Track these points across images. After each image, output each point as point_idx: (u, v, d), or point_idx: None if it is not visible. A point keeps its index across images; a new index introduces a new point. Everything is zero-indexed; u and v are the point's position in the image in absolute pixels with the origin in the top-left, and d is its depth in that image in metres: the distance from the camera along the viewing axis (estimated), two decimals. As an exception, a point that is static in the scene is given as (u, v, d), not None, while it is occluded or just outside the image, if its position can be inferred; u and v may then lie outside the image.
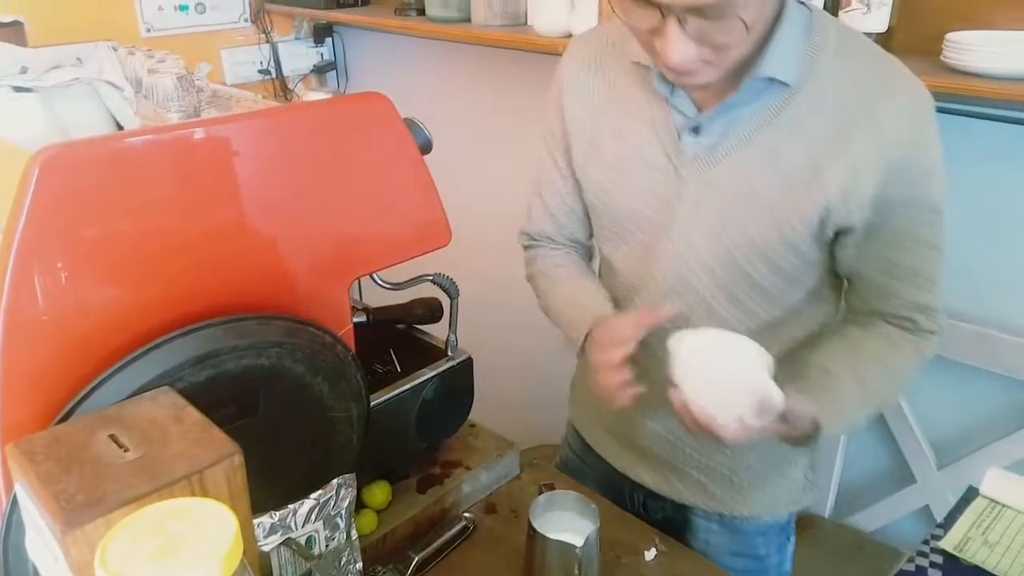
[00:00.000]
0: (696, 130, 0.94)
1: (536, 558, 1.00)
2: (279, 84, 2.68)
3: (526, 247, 1.23)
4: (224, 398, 0.85)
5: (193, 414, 0.74)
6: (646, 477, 1.20)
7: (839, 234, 0.94)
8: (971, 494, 0.93)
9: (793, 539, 1.23)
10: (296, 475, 0.96)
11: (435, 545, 1.11)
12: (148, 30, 2.36)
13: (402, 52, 2.55)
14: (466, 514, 1.19)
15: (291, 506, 0.92)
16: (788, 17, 0.87)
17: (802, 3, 0.91)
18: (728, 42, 0.81)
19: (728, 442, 0.85)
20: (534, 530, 0.99)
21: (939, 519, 1.68)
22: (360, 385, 0.99)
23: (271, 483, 0.87)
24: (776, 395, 0.82)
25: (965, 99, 1.28)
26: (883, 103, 0.87)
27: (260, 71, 2.62)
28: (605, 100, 1.03)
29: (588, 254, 1.24)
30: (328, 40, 2.72)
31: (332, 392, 0.95)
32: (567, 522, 1.01)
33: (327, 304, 0.99)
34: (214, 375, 0.83)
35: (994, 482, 0.94)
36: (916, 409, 1.67)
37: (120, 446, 0.70)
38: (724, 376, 0.83)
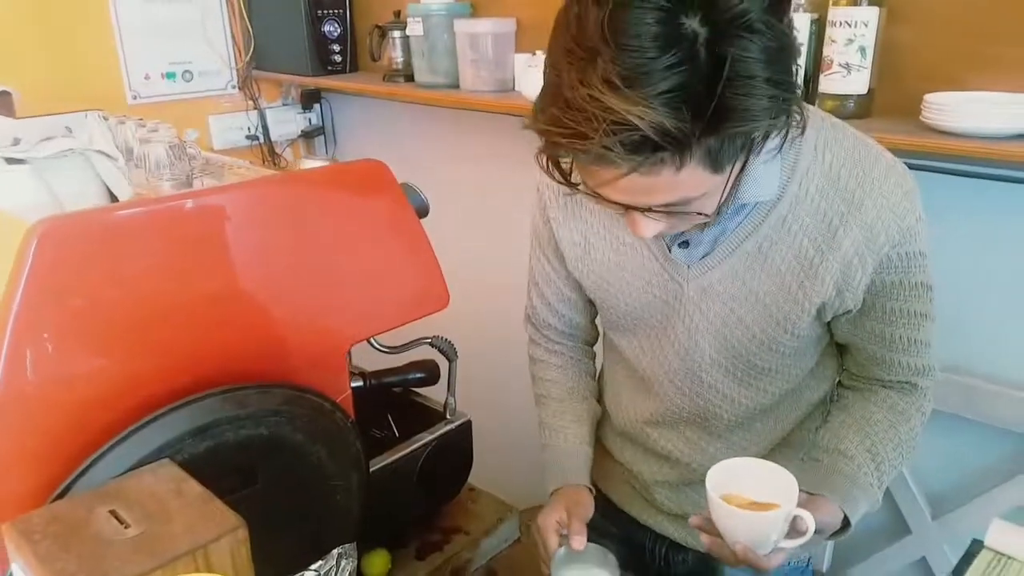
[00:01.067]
0: (684, 244, 0.95)
1: None
2: (267, 149, 2.70)
3: (529, 334, 1.24)
4: (223, 469, 0.84)
5: (194, 487, 0.73)
6: (670, 529, 1.19)
7: (835, 316, 0.95)
8: (976, 547, 0.92)
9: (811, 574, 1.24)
10: (296, 545, 0.94)
11: (436, 614, 1.09)
12: (135, 97, 2.38)
13: (391, 117, 2.59)
14: (468, 581, 1.17)
15: (290, 578, 0.90)
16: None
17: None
18: (693, 223, 0.84)
19: (769, 568, 0.85)
20: None
21: (936, 571, 1.68)
22: (359, 452, 0.98)
23: (270, 554, 0.85)
24: (807, 518, 0.84)
25: (946, 157, 1.31)
26: (868, 199, 0.87)
27: (248, 136, 2.64)
28: (592, 209, 1.02)
29: (591, 342, 1.24)
30: (316, 106, 2.75)
31: (331, 460, 0.94)
32: (586, 567, 1.01)
33: (325, 370, 0.99)
34: (213, 446, 0.83)
35: (998, 534, 0.94)
36: (910, 462, 1.67)
37: (121, 522, 0.69)
38: (755, 518, 0.84)
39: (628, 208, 0.79)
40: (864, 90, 1.41)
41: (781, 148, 0.85)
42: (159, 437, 0.79)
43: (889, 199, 0.87)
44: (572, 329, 1.19)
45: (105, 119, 1.43)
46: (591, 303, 1.16)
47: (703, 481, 0.87)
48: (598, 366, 1.26)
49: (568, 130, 0.69)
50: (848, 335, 0.99)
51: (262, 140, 2.67)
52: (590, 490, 1.09)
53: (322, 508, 0.96)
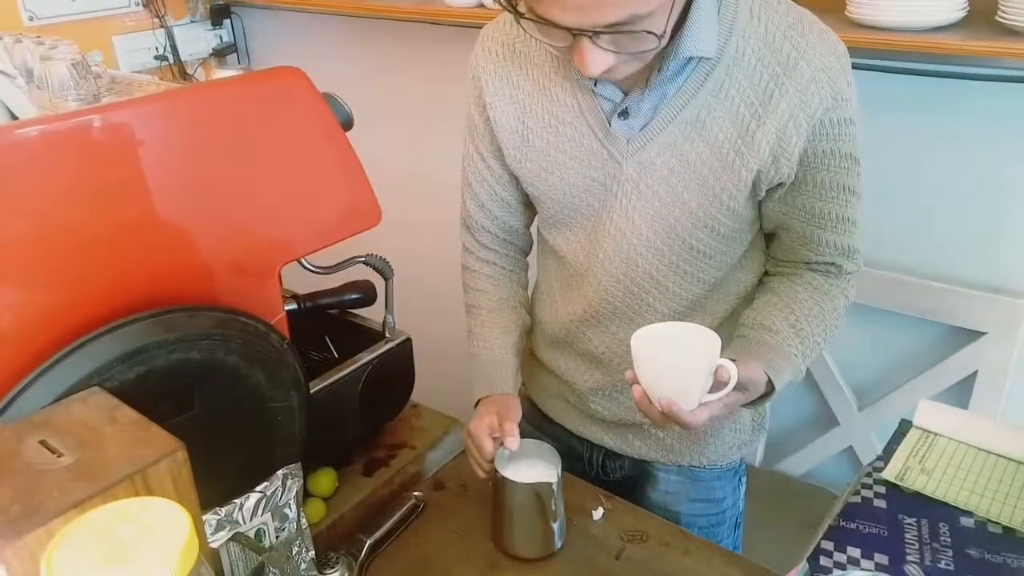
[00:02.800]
0: (624, 113, 0.94)
1: (508, 506, 1.03)
2: (177, 69, 2.56)
3: (464, 241, 1.22)
4: (157, 395, 0.81)
5: (128, 413, 0.71)
6: (605, 438, 1.22)
7: (769, 190, 0.96)
8: (904, 427, 0.97)
9: (745, 480, 1.28)
10: (239, 469, 0.92)
11: (386, 526, 1.10)
12: (31, 18, 2.21)
13: (307, 31, 2.47)
14: (415, 493, 1.18)
15: (237, 501, 0.89)
16: None
17: None
18: (643, 49, 0.82)
19: (693, 425, 0.86)
20: (504, 479, 1.01)
21: (863, 459, 1.77)
22: (299, 373, 0.96)
23: (214, 479, 0.84)
24: (730, 367, 0.85)
25: (873, 53, 1.32)
26: (802, 62, 0.88)
27: (156, 57, 2.50)
28: (529, 91, 1.01)
29: (525, 250, 1.24)
30: (226, 21, 2.61)
31: (270, 382, 0.92)
32: (530, 468, 1.05)
33: (256, 293, 0.96)
34: (145, 372, 0.80)
35: (926, 413, 0.99)
36: (835, 355, 1.74)
37: (53, 451, 0.66)
38: (678, 364, 0.85)
39: (576, 35, 0.79)
40: (789, -16, 1.40)
41: (720, 4, 0.89)
42: (86, 364, 0.76)
43: (823, 61, 0.89)
44: (507, 234, 1.18)
45: (0, 39, 1.33)
46: (526, 205, 1.15)
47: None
48: (531, 279, 1.26)
49: None
50: (778, 215, 1.00)
51: (171, 60, 2.54)
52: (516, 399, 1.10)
53: (264, 430, 0.95)
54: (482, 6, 1.70)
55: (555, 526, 1.05)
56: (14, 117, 1.00)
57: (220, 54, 2.63)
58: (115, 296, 0.82)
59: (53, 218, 0.79)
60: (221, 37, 2.62)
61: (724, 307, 1.07)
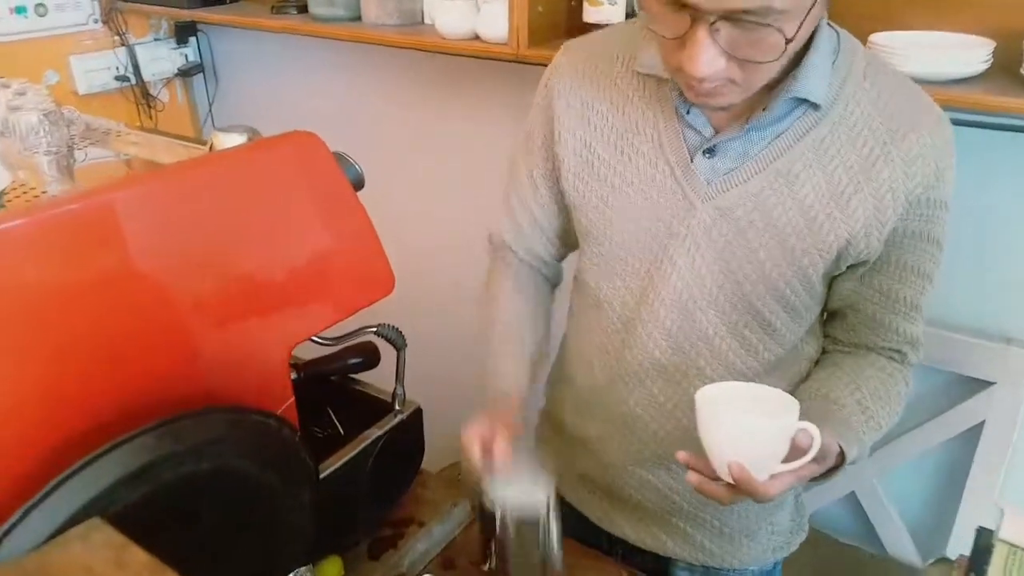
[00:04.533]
0: (710, 152, 0.87)
1: (494, 535, 0.89)
2: (139, 91, 2.43)
3: (492, 252, 1.15)
4: (163, 514, 0.72)
5: (138, 555, 0.62)
6: (627, 530, 1.13)
7: (849, 266, 0.90)
8: (984, 538, 0.87)
9: None
10: (246, 572, 0.84)
11: (397, 618, 1.02)
12: (-21, 37, 2.07)
13: (281, 53, 2.35)
14: (425, 575, 1.10)
15: (244, 613, 0.80)
16: (821, 39, 0.82)
17: (831, 25, 0.86)
18: (761, 58, 0.75)
19: (767, 497, 0.77)
20: (484, 509, 0.88)
21: (864, 504, 1.73)
22: (310, 467, 0.88)
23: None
24: (813, 432, 0.77)
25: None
26: (912, 133, 0.84)
27: (117, 77, 2.36)
28: (604, 113, 0.94)
29: (552, 276, 1.15)
30: (192, 40, 2.48)
31: (281, 481, 0.84)
32: (519, 492, 0.90)
33: (266, 379, 0.87)
34: (151, 492, 0.71)
35: (1013, 524, 0.89)
36: (890, 427, 1.70)
37: (53, 611, 0.57)
38: (758, 425, 0.76)
39: (695, 22, 0.72)
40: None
41: (836, 59, 0.84)
42: (87, 491, 0.66)
43: (932, 136, 0.85)
44: (535, 261, 1.11)
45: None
46: (562, 240, 1.08)
47: (668, 459, 0.79)
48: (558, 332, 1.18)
49: None
50: (850, 292, 0.94)
51: (133, 81, 2.40)
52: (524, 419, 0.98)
53: (274, 532, 0.86)
54: (477, 38, 1.62)
55: (552, 555, 0.92)
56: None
57: (186, 74, 2.49)
58: (110, 404, 0.73)
59: (40, 318, 0.69)
60: (187, 56, 2.49)
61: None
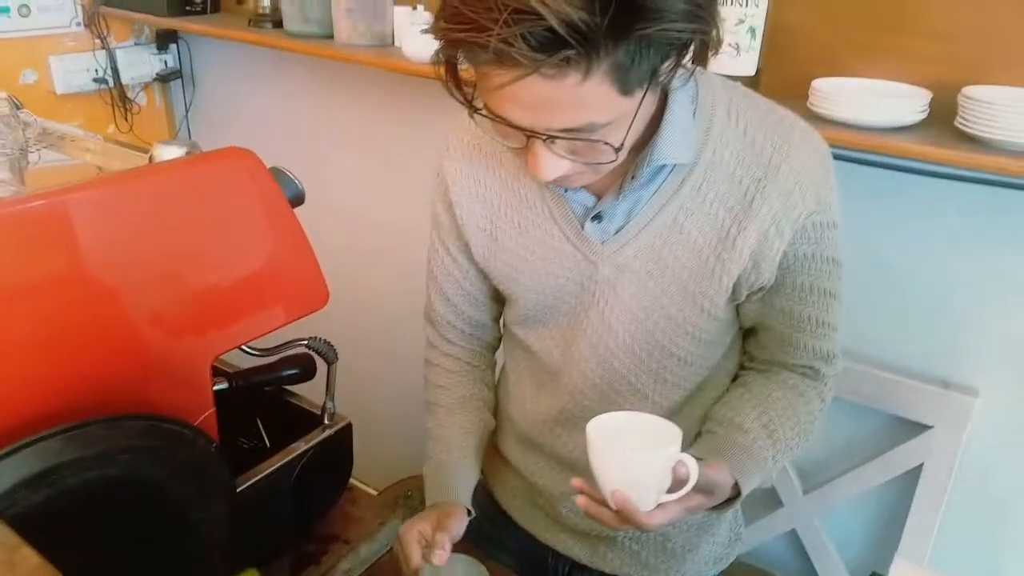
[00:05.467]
0: (597, 218, 0.90)
1: None
2: (117, 94, 2.44)
3: (427, 335, 1.16)
4: (64, 519, 0.73)
5: (30, 558, 0.62)
6: (575, 549, 1.15)
7: (749, 293, 0.92)
8: None
9: None
10: (154, 585, 0.85)
11: (313, 635, 1.03)
12: (-40, 36, 2.09)
13: (256, 64, 2.38)
14: (346, 594, 1.10)
15: (149, 623, 0.81)
16: (674, 100, 0.84)
17: (685, 68, 0.85)
18: (599, 160, 0.78)
19: (649, 527, 0.80)
20: None
21: (805, 542, 1.75)
22: (227, 479, 0.89)
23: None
24: (689, 463, 0.79)
25: (833, 146, 1.31)
26: (784, 165, 0.85)
27: (95, 79, 2.37)
28: (497, 191, 0.97)
29: (493, 346, 1.18)
30: (172, 46, 2.51)
31: (194, 492, 0.85)
32: None
33: (187, 386, 0.89)
34: (53, 495, 0.72)
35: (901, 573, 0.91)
36: (805, 446, 1.72)
37: (-67, 611, 0.58)
38: (633, 456, 0.78)
39: (530, 137, 0.75)
40: (752, 71, 1.39)
41: (696, 103, 0.85)
42: (-17, 491, 0.68)
43: (807, 164, 0.86)
44: (474, 329, 1.12)
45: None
46: (495, 300, 1.09)
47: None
48: (498, 372, 1.20)
49: (467, 25, 0.65)
50: (756, 315, 0.96)
51: (111, 84, 2.42)
52: (469, 512, 1.03)
53: (185, 543, 0.87)
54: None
55: None
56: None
57: (164, 79, 2.52)
58: (25, 400, 0.74)
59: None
60: (166, 62, 2.51)
61: (700, 412, 1.02)
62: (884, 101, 1.28)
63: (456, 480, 1.05)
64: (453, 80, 0.77)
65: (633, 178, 0.86)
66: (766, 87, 1.41)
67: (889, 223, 1.49)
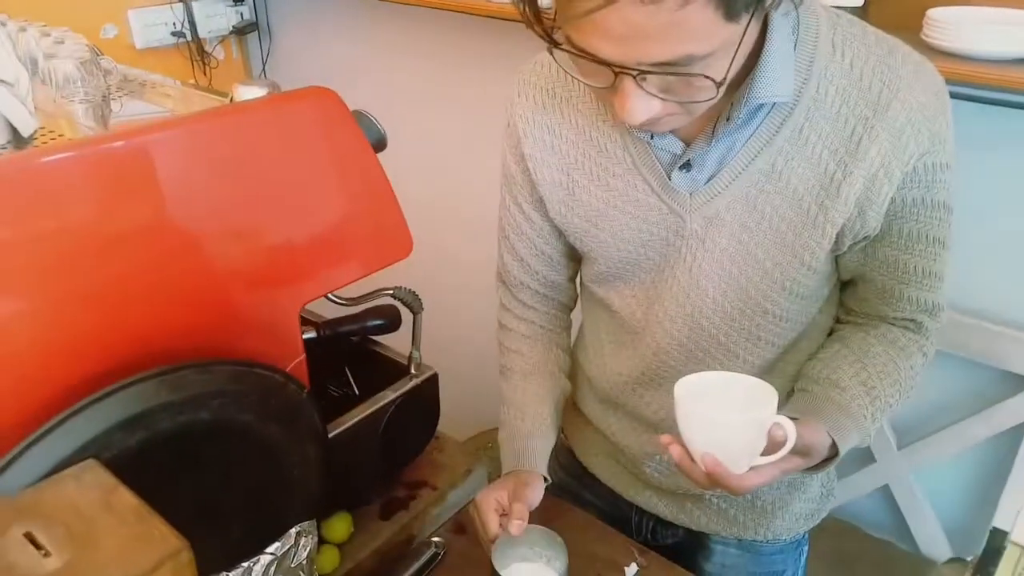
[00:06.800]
0: (686, 166, 0.84)
1: None
2: (195, 47, 2.46)
3: (500, 297, 1.12)
4: (160, 461, 0.73)
5: (126, 498, 0.63)
6: (659, 506, 1.12)
7: (852, 244, 0.86)
8: (997, 538, 0.84)
9: (807, 548, 1.18)
10: (249, 528, 0.85)
11: (403, 578, 1.03)
12: (42, -12, 2.11)
13: (333, 13, 2.36)
14: (435, 539, 1.10)
15: (245, 564, 0.81)
16: (774, 30, 0.76)
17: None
18: (695, 99, 0.70)
19: (741, 490, 0.76)
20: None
21: (898, 498, 1.68)
22: (318, 424, 0.88)
23: (220, 541, 0.77)
24: (787, 426, 0.74)
25: (949, 82, 1.22)
26: (895, 101, 0.77)
27: (173, 33, 2.39)
28: (574, 140, 0.90)
29: (568, 306, 1.13)
30: (248, -2, 2.51)
31: (286, 437, 0.84)
32: (528, 565, 0.94)
33: (276, 335, 0.88)
34: (147, 437, 0.72)
35: None
36: (906, 402, 1.65)
37: (39, 547, 0.58)
38: (725, 418, 0.74)
39: (619, 74, 0.67)
40: (860, 2, 1.29)
41: (796, 38, 0.77)
42: (83, 433, 0.68)
43: (920, 101, 0.78)
44: (548, 289, 1.08)
45: (3, 24, 1.23)
46: (570, 258, 1.04)
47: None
48: (574, 334, 1.16)
49: None
50: (858, 266, 0.89)
51: (189, 37, 2.43)
52: (545, 479, 1.00)
53: (277, 487, 0.87)
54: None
55: None
56: (14, 130, 0.91)
57: (241, 32, 2.52)
58: (119, 350, 0.74)
59: (52, 259, 0.70)
60: (242, 14, 2.51)
61: (795, 369, 0.96)
62: (1003, 29, 1.18)
63: (532, 447, 1.02)
64: (532, 9, 0.70)
65: (728, 119, 0.79)
66: (875, 18, 1.31)
67: (1004, 166, 1.38)
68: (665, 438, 0.79)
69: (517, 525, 0.90)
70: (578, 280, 1.10)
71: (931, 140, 0.79)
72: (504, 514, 0.93)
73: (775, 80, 0.76)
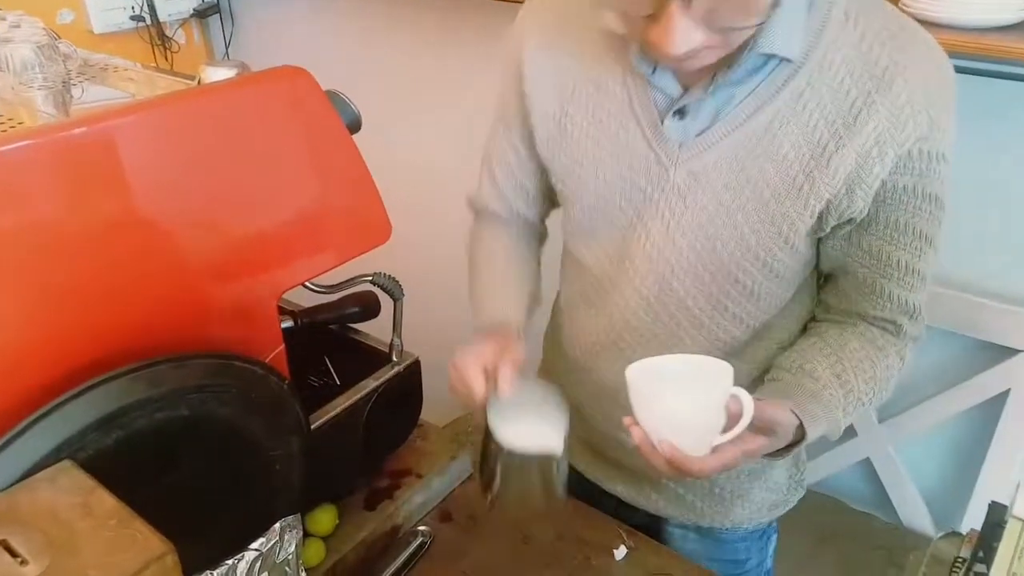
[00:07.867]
0: (680, 113, 0.82)
1: (500, 470, 0.83)
2: (155, 31, 2.39)
3: (475, 217, 1.10)
4: (138, 460, 0.70)
5: (105, 500, 0.60)
6: (619, 488, 1.11)
7: (835, 226, 0.84)
8: (997, 514, 0.83)
9: (775, 536, 1.16)
10: (233, 524, 0.82)
11: (390, 570, 1.01)
12: (-5, -28, 2.04)
13: (297, -6, 2.31)
14: (420, 528, 1.08)
15: (229, 562, 0.79)
16: None
17: None
18: (743, 23, 0.68)
19: (703, 474, 0.74)
20: (494, 443, 0.81)
21: (879, 470, 1.69)
22: (300, 415, 0.85)
23: (203, 539, 0.74)
24: (742, 396, 0.72)
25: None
26: (899, 78, 0.75)
27: (132, 17, 2.32)
28: (575, 74, 0.88)
29: (538, 234, 1.11)
30: (209, -21, 2.44)
31: (267, 430, 0.82)
32: (529, 426, 0.84)
33: (253, 325, 0.85)
34: (124, 436, 0.69)
35: None
36: (879, 402, 1.66)
37: (15, 556, 0.55)
38: (678, 401, 0.72)
39: None
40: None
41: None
42: (57, 433, 0.65)
43: (926, 81, 0.76)
44: (518, 222, 1.06)
45: (-45, 9, 1.18)
46: (546, 197, 1.02)
47: None
48: (551, 308, 1.14)
49: None
50: (839, 255, 0.87)
51: (149, 21, 2.36)
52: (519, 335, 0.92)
53: (260, 481, 0.85)
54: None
55: (557, 490, 0.88)
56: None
57: (202, 14, 2.45)
58: (91, 347, 0.70)
59: (12, 255, 0.67)
60: (203, -4, 2.45)
61: (764, 355, 0.94)
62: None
63: (505, 297, 0.97)
64: None
65: (730, 67, 0.76)
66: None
67: (981, 136, 1.38)
68: (628, 419, 0.77)
69: (505, 386, 0.81)
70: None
71: (930, 126, 0.77)
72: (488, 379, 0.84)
73: (784, 34, 0.74)
